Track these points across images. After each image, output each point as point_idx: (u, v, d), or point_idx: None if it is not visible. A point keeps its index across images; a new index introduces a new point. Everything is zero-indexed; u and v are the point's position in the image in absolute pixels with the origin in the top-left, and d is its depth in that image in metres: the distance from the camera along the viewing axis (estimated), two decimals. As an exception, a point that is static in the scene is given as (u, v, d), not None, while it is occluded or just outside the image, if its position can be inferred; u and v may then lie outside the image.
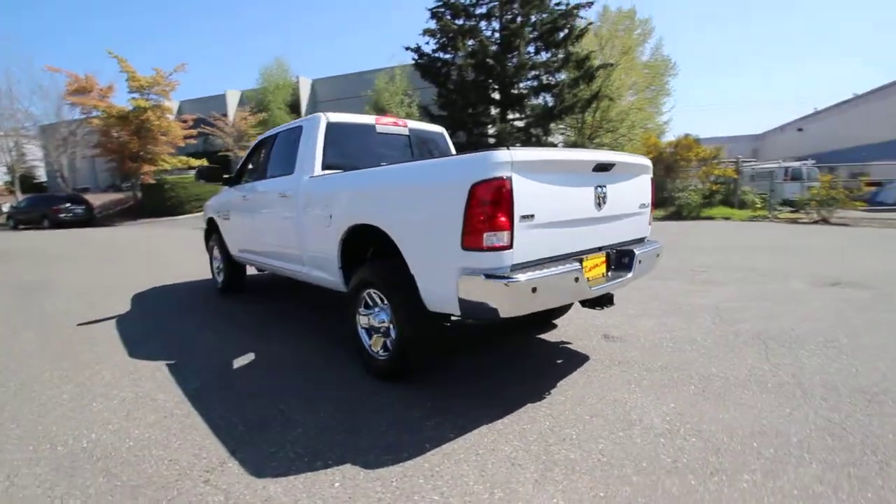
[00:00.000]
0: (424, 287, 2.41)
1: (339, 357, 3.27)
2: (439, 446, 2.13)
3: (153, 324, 4.32)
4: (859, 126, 26.00)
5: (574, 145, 21.00)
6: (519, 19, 18.06)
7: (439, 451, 2.09)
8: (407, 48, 19.49)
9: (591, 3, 17.92)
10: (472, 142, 18.83)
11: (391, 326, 2.73)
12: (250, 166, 4.88)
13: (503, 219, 2.06)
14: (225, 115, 31.79)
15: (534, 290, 2.11)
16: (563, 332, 3.70)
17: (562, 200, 2.33)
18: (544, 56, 18.70)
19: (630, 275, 2.72)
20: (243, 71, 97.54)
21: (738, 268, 6.07)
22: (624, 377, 2.82)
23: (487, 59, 17.50)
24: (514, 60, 17.54)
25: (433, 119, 19.54)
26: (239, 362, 3.27)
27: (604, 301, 2.87)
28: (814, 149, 28.77)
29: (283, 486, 1.88)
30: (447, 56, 19.19)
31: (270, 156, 4.18)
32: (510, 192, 2.05)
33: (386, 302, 2.70)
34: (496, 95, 18.84)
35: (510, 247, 2.10)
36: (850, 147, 25.99)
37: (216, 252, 5.45)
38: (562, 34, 18.01)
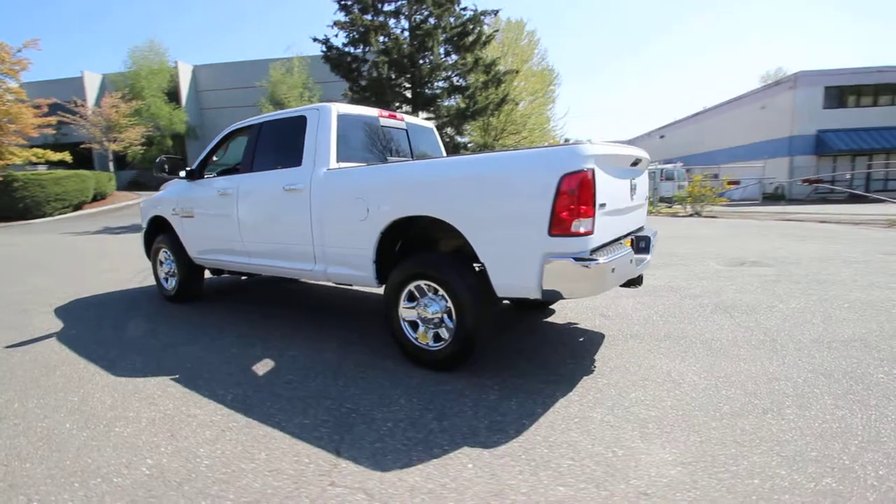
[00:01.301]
0: (498, 273, 2.52)
1: (364, 355, 3.20)
2: (536, 420, 2.27)
3: (113, 339, 3.73)
4: (711, 134, 31.19)
5: (484, 146, 22.03)
6: (431, 21, 18.39)
7: (540, 425, 2.23)
8: (315, 39, 18.69)
9: (497, 12, 18.99)
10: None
11: (445, 316, 2.78)
12: (215, 158, 4.44)
13: (589, 207, 2.27)
14: (84, 101, 27.34)
15: (613, 270, 2.35)
16: (564, 315, 4.04)
17: (616, 191, 2.61)
18: (455, 59, 19.29)
19: (649, 257, 3.11)
20: (103, 51, 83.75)
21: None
22: (643, 347, 3.22)
23: (403, 58, 17.54)
24: (429, 61, 17.82)
25: (345, 115, 18.95)
26: (262, 370, 3.02)
27: (637, 280, 3.23)
28: (675, 153, 33.79)
29: (419, 474, 1.87)
30: (358, 51, 18.87)
31: (256, 147, 3.87)
32: (593, 182, 2.27)
33: (442, 292, 2.74)
34: (409, 94, 18.98)
35: (592, 232, 2.32)
36: (704, 152, 31.06)
37: (163, 255, 4.83)
38: (471, 38, 18.76)
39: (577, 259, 2.27)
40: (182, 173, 4.31)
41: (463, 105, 19.17)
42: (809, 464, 1.88)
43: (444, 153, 4.61)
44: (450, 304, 2.71)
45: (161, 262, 4.89)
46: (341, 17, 18.27)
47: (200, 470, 1.96)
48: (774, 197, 22.04)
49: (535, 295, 2.45)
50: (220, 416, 2.42)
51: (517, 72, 20.26)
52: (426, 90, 18.71)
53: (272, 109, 29.03)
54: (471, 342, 2.70)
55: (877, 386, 2.54)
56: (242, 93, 31.93)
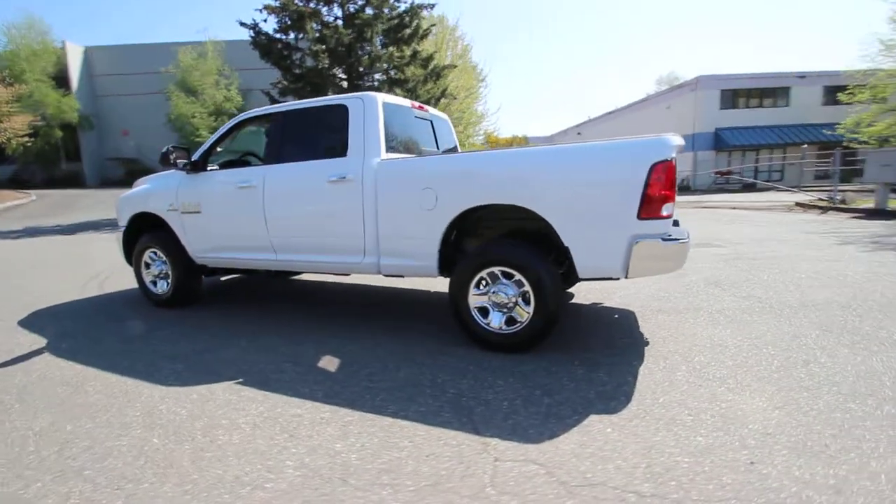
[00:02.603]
0: (584, 256, 2.70)
1: (424, 344, 3.23)
2: (635, 387, 2.49)
3: (123, 348, 3.35)
4: (624, 130, 33.98)
5: (422, 139, 22.05)
6: (368, 10, 18.02)
7: (640, 391, 2.45)
8: (242, 24, 17.47)
9: (433, 6, 19.09)
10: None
11: (520, 300, 2.91)
12: (219, 149, 4.12)
13: (672, 192, 2.53)
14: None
15: (688, 248, 2.65)
16: (582, 297, 4.34)
17: (671, 179, 2.91)
18: (392, 51, 19.08)
19: None
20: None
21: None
22: (674, 319, 3.60)
23: (341, 48, 17.00)
24: (369, 52, 17.46)
25: (279, 106, 18.03)
26: (332, 366, 2.94)
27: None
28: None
29: (571, 442, 2.00)
30: (290, 38, 17.97)
31: (283, 137, 3.67)
32: (675, 170, 2.53)
33: (519, 277, 2.87)
34: (345, 86, 18.47)
35: (672, 216, 2.59)
36: None
37: (149, 257, 4.37)
38: (408, 31, 18.69)
39: (664, 239, 2.53)
40: (180, 164, 3.94)
41: (405, 98, 19.03)
42: (867, 398, 2.30)
43: (458, 144, 4.68)
44: (527, 287, 2.85)
45: (147, 265, 4.42)
46: (271, 1, 17.29)
47: (354, 463, 1.92)
48: (682, 188, 24.74)
49: (618, 274, 2.67)
50: (328, 412, 2.35)
51: (455, 66, 20.55)
52: (365, 82, 18.32)
53: (183, 97, 26.60)
54: (550, 324, 2.86)
55: (870, 336, 3.11)
56: (146, 79, 28.83)
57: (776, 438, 1.98)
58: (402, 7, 18.75)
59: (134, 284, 5.35)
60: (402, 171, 3.17)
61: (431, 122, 4.17)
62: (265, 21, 17.79)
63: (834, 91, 24.21)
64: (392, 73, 19.29)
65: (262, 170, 3.68)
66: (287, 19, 17.61)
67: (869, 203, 11.02)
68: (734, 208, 13.55)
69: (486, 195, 2.88)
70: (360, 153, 3.27)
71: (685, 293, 4.34)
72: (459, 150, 4.65)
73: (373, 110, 3.32)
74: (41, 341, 3.58)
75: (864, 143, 18.78)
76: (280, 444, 2.08)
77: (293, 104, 3.70)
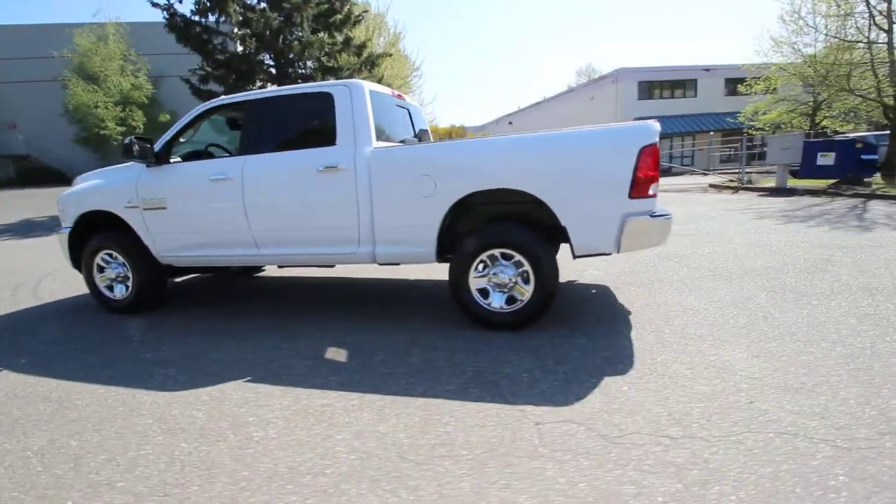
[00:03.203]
0: (580, 235, 2.91)
1: (428, 329, 3.31)
2: (633, 351, 2.76)
3: (93, 359, 3.09)
4: (553, 120, 35.41)
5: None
6: (296, -6, 17.22)
7: (640, 353, 2.72)
8: (154, 4, 15.98)
9: (364, -9, 18.62)
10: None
11: (519, 280, 3.07)
12: (182, 140, 3.86)
13: (657, 173, 2.80)
14: None
15: (671, 224, 2.94)
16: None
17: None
18: (325, 38, 18.44)
19: None
20: None
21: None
22: (645, 290, 3.96)
23: (269, 33, 16.13)
24: (300, 38, 16.72)
25: (201, 95, 16.91)
26: (341, 357, 2.93)
27: None
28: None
29: (597, 402, 2.20)
30: (210, 21, 16.73)
31: (261, 127, 3.51)
32: (659, 153, 2.80)
33: (519, 258, 3.02)
34: (273, 72, 17.58)
35: (657, 195, 2.86)
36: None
37: (102, 259, 3.99)
38: (339, 17, 18.12)
39: (652, 216, 2.80)
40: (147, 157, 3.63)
41: (339, 87, 18.47)
42: (821, 342, 2.73)
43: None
44: (527, 267, 3.01)
45: (101, 268, 4.03)
46: (187, -20, 15.97)
47: (404, 442, 1.98)
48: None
49: (611, 250, 2.92)
50: (356, 399, 2.36)
51: (390, 55, 20.28)
52: (298, 70, 17.55)
53: (83, 85, 23.83)
54: (548, 301, 3.06)
55: (807, 293, 3.64)
56: (37, 64, 25.50)
57: (763, 381, 2.32)
58: (332, -8, 18.13)
59: (76, 290, 4.90)
60: (399, 158, 3.19)
61: (409, 110, 4.18)
62: (181, 2, 16.52)
63: (734, 83, 27.07)
64: (324, 60, 18.65)
65: (238, 161, 3.50)
66: (206, 1, 16.35)
67: (771, 182, 12.55)
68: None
69: (486, 181, 2.99)
70: (351, 142, 3.24)
71: (645, 267, 4.76)
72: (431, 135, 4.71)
73: (360, 98, 3.29)
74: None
75: (761, 129, 21.24)
76: (322, 433, 2.07)
77: (269, 92, 3.55)
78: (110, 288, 4.07)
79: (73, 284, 5.27)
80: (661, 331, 3.04)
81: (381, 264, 3.46)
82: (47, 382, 2.77)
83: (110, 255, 3.98)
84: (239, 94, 3.66)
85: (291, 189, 3.40)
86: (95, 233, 4.03)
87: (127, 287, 4.01)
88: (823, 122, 19.54)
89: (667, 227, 2.87)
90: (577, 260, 4.52)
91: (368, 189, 3.20)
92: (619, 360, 2.66)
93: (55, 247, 8.92)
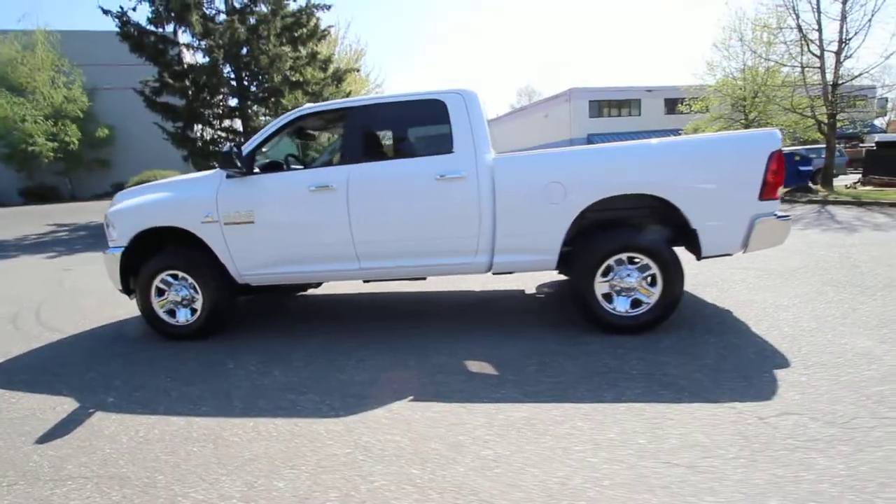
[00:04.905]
0: (710, 236, 3.02)
1: (543, 341, 3.29)
2: (777, 348, 2.89)
3: (219, 386, 2.77)
4: (510, 136, 36.31)
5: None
6: (263, 7, 16.78)
7: (787, 349, 2.85)
8: (105, 11, 14.87)
9: (329, 7, 18.45)
10: (227, 137, 16.45)
11: (645, 283, 3.13)
12: (265, 149, 3.60)
13: (781, 177, 2.99)
14: None
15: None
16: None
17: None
18: (289, 51, 18.01)
19: None
20: None
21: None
22: (720, 290, 4.16)
23: (235, 46, 15.50)
24: (268, 52, 16.20)
25: (160, 109, 15.94)
26: (486, 370, 2.83)
27: None
28: (504, 147, 38.28)
29: (793, 393, 2.28)
30: (166, 31, 15.82)
31: (364, 135, 3.36)
32: (783, 158, 3.00)
33: (646, 261, 3.09)
34: (243, 86, 16.87)
35: (780, 197, 3.06)
36: (533, 146, 36.01)
37: (162, 282, 3.58)
38: (305, 31, 17.80)
39: (778, 217, 2.98)
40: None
41: (307, 102, 18.05)
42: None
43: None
44: (655, 270, 3.08)
45: (161, 291, 3.62)
46: (142, -14, 15.00)
47: (649, 448, 1.94)
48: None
49: (736, 250, 3.06)
50: (553, 409, 2.29)
51: (358, 70, 20.14)
52: (265, 83, 16.96)
53: (7, 96, 21.48)
54: (674, 304, 3.13)
55: (877, 286, 4.00)
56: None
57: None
58: (295, 6, 17.82)
59: (90, 318, 4.42)
60: (526, 166, 3.17)
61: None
62: (134, 10, 15.44)
63: (672, 103, 29.48)
64: (288, 73, 18.18)
65: (342, 170, 3.31)
66: (163, 9, 15.47)
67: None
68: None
69: (617, 186, 3.05)
70: (471, 149, 3.18)
71: (692, 270, 5.00)
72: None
73: (476, 105, 3.25)
74: (59, 402, 2.75)
75: (703, 145, 23.14)
76: (555, 446, 1.99)
77: (372, 99, 3.40)
78: (171, 313, 3.66)
79: (79, 311, 4.69)
80: (776, 326, 3.20)
81: (494, 274, 3.39)
82: (170, 421, 2.43)
83: (174, 277, 3.59)
84: (335, 102, 3.49)
85: (404, 198, 3.26)
86: (148, 253, 3.63)
87: (193, 311, 3.63)
88: (756, 139, 21.68)
89: (788, 227, 3.07)
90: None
91: (491, 197, 3.15)
92: (767, 354, 2.78)
93: (23, 270, 7.92)
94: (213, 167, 16.90)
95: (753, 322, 3.31)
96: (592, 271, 3.13)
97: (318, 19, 18.08)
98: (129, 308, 4.69)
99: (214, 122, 17.07)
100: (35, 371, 3.27)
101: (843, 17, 12.27)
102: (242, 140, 17.29)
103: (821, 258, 5.16)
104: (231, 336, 3.73)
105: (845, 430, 1.97)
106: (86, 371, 3.21)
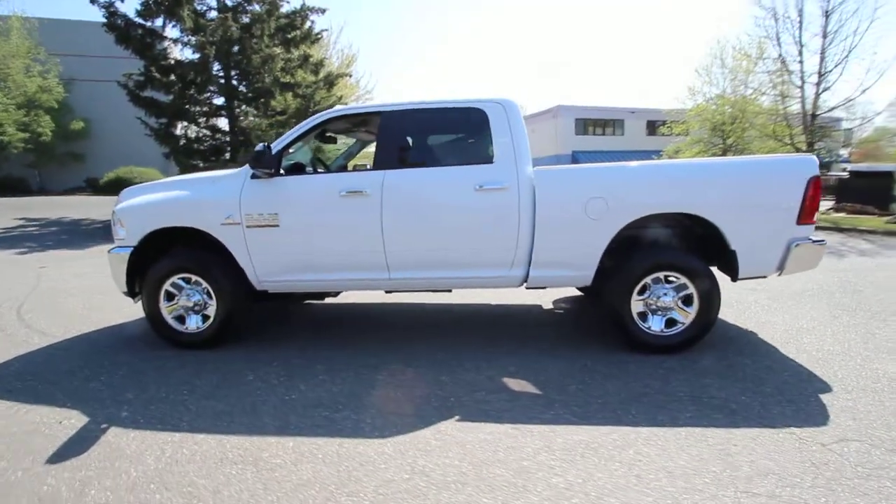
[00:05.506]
0: (747, 257, 3.03)
1: (578, 360, 3.22)
2: (812, 371, 2.90)
3: (190, 405, 2.58)
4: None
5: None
6: (256, 7, 16.55)
7: (821, 372, 2.86)
8: (93, 1, 14.36)
9: (324, 10, 18.33)
10: (212, 135, 16.07)
11: (680, 302, 3.11)
12: (291, 151, 3.46)
13: (818, 203, 3.03)
14: None
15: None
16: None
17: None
18: (281, 53, 17.76)
19: None
20: None
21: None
22: (737, 311, 4.20)
23: (228, 44, 15.18)
24: (261, 51, 15.91)
25: (143, 104, 15.46)
26: (529, 389, 2.74)
27: None
28: None
29: (844, 417, 2.27)
30: (155, 24, 15.40)
31: (403, 140, 3.27)
32: (821, 184, 3.05)
33: (682, 281, 3.07)
34: (231, 85, 16.49)
35: (816, 222, 3.09)
36: None
37: (173, 285, 3.36)
38: (299, 33, 17.62)
39: (814, 242, 3.01)
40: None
41: (298, 104, 17.82)
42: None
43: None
44: (692, 290, 3.07)
45: (171, 295, 3.40)
46: (131, -22, 14.58)
47: (724, 476, 1.88)
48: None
49: (773, 272, 3.08)
50: (611, 433, 2.21)
51: (349, 75, 20.02)
52: (256, 84, 16.63)
53: (-25, 83, 20.36)
54: (712, 323, 3.12)
55: (884, 311, 4.11)
56: None
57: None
58: (289, 7, 17.65)
59: (76, 322, 4.19)
60: (569, 180, 3.13)
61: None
62: (122, 0, 15.01)
63: (653, 125, 30.37)
64: (279, 75, 17.92)
65: (376, 175, 3.19)
66: (153, 2, 15.06)
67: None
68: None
69: (659, 205, 3.03)
70: (511, 161, 3.12)
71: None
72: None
73: (517, 116, 3.20)
74: (66, 416, 2.52)
75: (684, 167, 23.85)
76: (627, 473, 1.91)
77: (408, 104, 3.28)
78: (180, 319, 3.44)
79: (64, 313, 4.39)
80: (804, 349, 3.23)
81: (528, 288, 3.32)
82: (198, 440, 2.24)
83: (186, 281, 3.38)
84: (369, 105, 3.39)
85: (442, 207, 3.16)
86: (164, 254, 3.42)
87: (205, 318, 3.42)
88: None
89: (822, 252, 3.11)
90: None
91: (531, 210, 3.08)
92: (804, 377, 2.78)
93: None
94: (197, 166, 16.45)
95: (780, 344, 3.33)
96: (630, 289, 3.09)
97: (312, 22, 18.01)
98: (123, 311, 4.42)
99: (200, 120, 16.62)
100: (29, 379, 3.00)
101: (823, 51, 12.90)
102: (228, 140, 16.92)
103: (822, 282, 5.28)
104: (243, 345, 3.52)
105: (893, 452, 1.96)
106: (88, 381, 2.96)
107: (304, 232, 3.25)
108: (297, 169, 3.56)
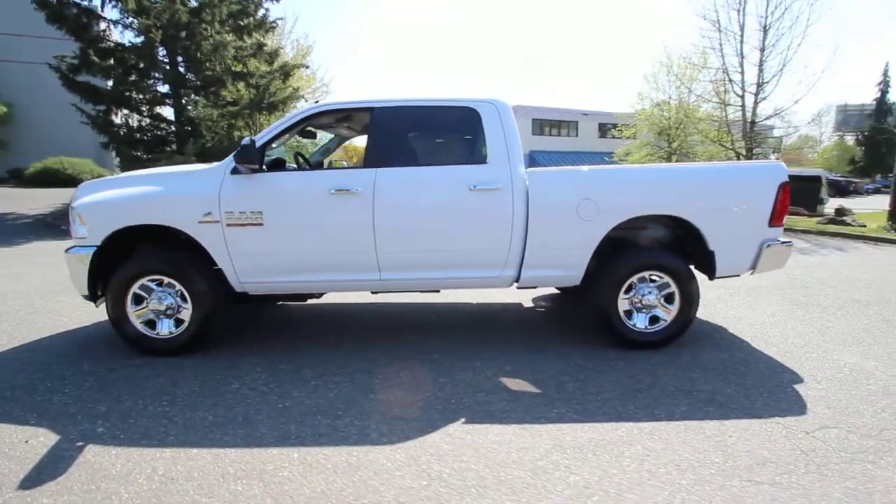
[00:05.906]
0: (724, 257, 3.20)
1: (567, 357, 3.30)
2: (810, 367, 3.12)
3: (173, 416, 2.43)
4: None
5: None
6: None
7: (795, 364, 3.09)
8: (18, -27, 13.02)
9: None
10: (156, 125, 15.10)
11: (663, 300, 3.26)
12: (275, 145, 3.30)
13: (787, 207, 3.25)
14: None
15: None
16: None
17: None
18: (234, 40, 16.93)
19: None
20: None
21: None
22: (708, 308, 4.44)
23: (175, 28, 14.26)
24: (211, 38, 15.07)
25: (79, 89, 14.32)
26: (528, 388, 2.76)
27: None
28: None
29: (822, 406, 2.46)
30: (92, 4, 14.23)
31: (395, 138, 3.19)
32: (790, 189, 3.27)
33: (665, 280, 3.21)
34: (178, 72, 15.50)
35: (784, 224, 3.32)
36: None
37: (142, 288, 3.12)
38: (252, 20, 16.87)
39: (783, 243, 3.23)
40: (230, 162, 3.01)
41: (251, 95, 17.06)
42: None
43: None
44: (674, 289, 3.21)
45: (140, 299, 3.15)
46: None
47: (726, 465, 1.98)
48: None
49: (745, 271, 3.28)
50: (616, 430, 2.28)
51: (306, 66, 19.38)
52: (206, 72, 15.74)
53: None
54: (691, 320, 3.28)
55: (832, 305, 4.48)
56: None
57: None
58: (244, -7, 16.85)
59: (43, 328, 3.83)
60: (559, 181, 3.17)
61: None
62: (54, -25, 13.69)
63: (605, 127, 31.61)
64: (230, 63, 17.07)
65: (367, 173, 3.09)
66: (89, -21, 13.92)
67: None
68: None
69: (646, 206, 3.14)
70: (505, 161, 3.12)
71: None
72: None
73: (509, 117, 3.22)
74: (31, 434, 2.27)
75: (633, 169, 25.02)
76: (639, 468, 1.97)
77: (401, 100, 3.20)
78: (150, 324, 3.20)
79: (4, 318, 3.97)
80: (772, 343, 3.46)
81: (519, 288, 3.35)
82: (192, 455, 2.09)
83: (157, 283, 3.14)
84: (359, 100, 3.26)
85: (435, 207, 3.12)
86: (131, 253, 3.17)
87: (179, 322, 3.19)
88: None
89: (790, 252, 3.34)
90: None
91: (524, 211, 3.11)
92: (777, 369, 2.99)
93: None
94: (139, 157, 15.38)
95: (750, 338, 3.56)
96: (617, 288, 3.19)
97: (266, 10, 17.33)
98: (74, 315, 4.07)
99: (143, 109, 15.55)
100: (-23, 394, 2.69)
101: (761, 64, 13.90)
102: (174, 130, 15.91)
103: (772, 277, 5.68)
104: (219, 350, 3.31)
105: (881, 441, 2.16)
106: (51, 393, 2.68)
107: (292, 231, 3.11)
108: (278, 165, 3.40)
